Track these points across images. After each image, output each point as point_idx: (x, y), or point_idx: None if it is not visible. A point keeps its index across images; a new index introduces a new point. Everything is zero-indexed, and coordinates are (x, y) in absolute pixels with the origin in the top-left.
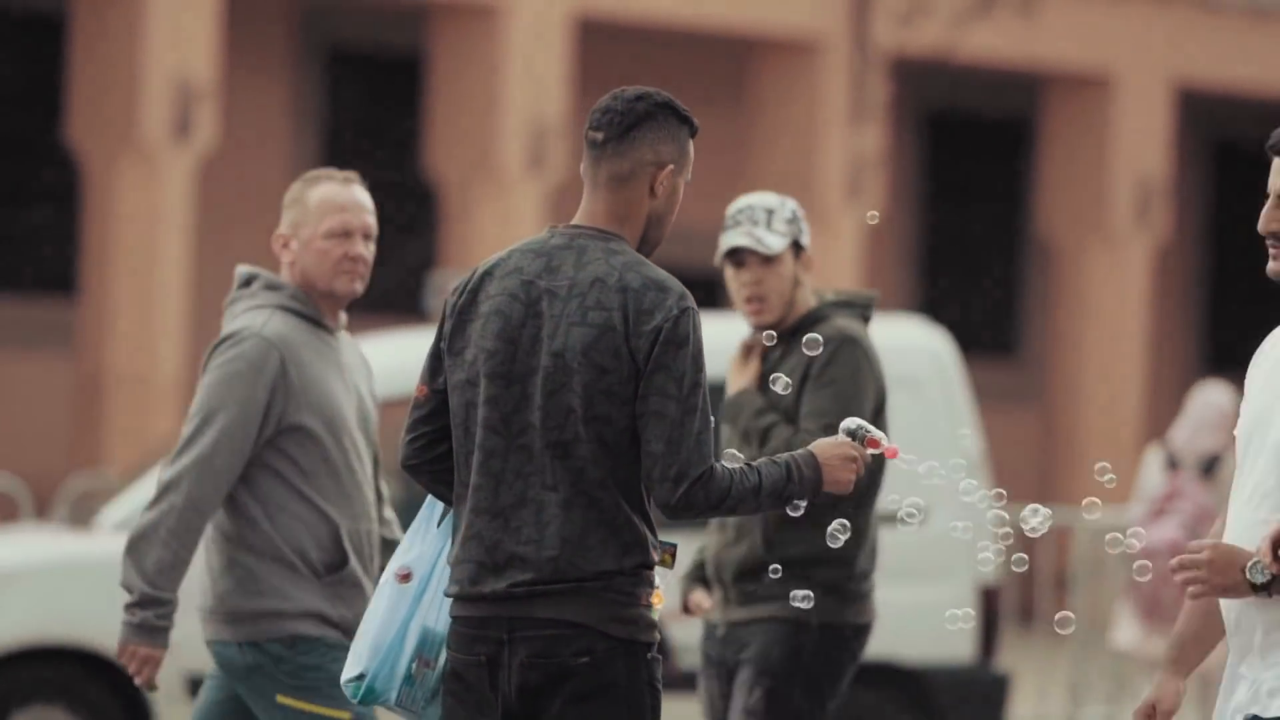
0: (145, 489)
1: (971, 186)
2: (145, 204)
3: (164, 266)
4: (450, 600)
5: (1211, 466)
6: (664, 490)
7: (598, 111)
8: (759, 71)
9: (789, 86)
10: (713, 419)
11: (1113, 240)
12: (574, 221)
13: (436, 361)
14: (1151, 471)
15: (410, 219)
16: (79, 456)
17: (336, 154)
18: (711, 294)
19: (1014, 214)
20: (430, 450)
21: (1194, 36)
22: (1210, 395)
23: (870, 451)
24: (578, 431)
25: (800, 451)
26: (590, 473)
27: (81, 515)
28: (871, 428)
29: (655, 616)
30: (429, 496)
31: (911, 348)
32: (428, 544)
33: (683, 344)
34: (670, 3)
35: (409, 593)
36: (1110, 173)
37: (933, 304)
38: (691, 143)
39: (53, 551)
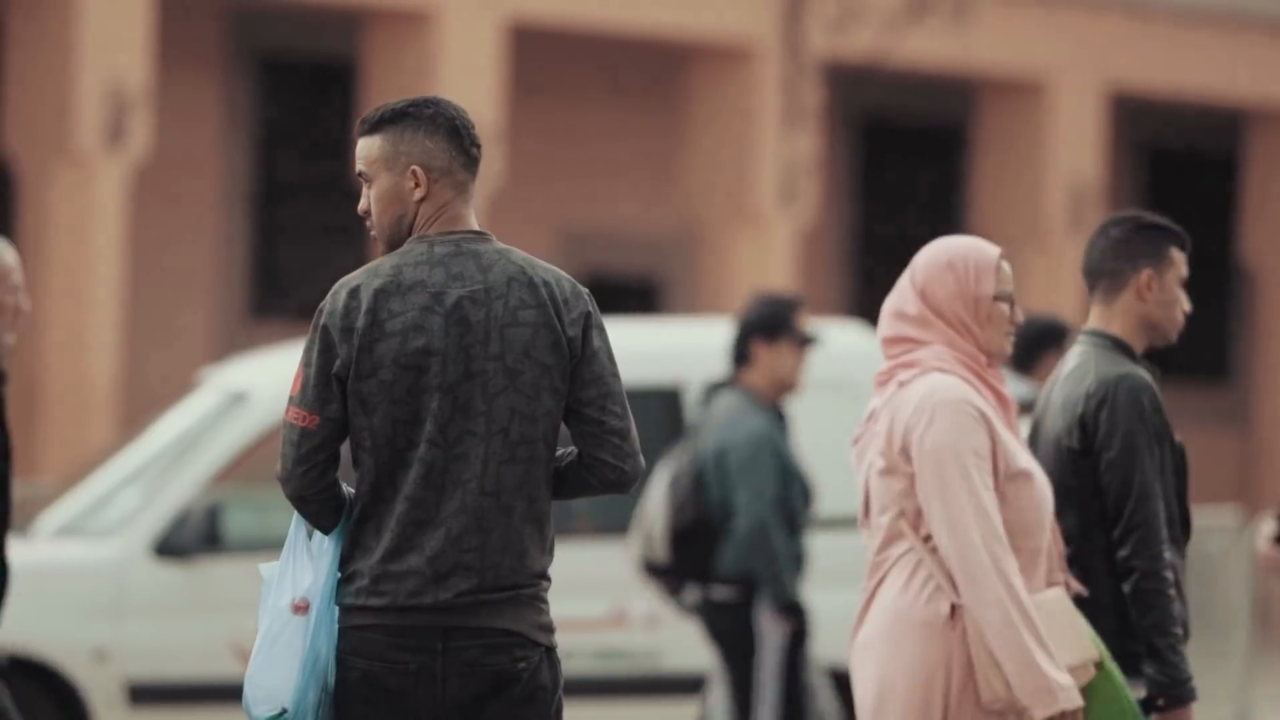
0: (81, 496)
1: (905, 192)
2: (78, 212)
3: (97, 275)
4: (349, 612)
5: None
6: (632, 463)
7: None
8: (692, 77)
9: (722, 92)
10: None
11: (1047, 245)
12: (441, 230)
13: (327, 391)
14: None
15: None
16: (16, 465)
17: (270, 161)
18: (647, 299)
19: (948, 219)
20: (323, 479)
21: (1126, 42)
22: None
23: None
24: (522, 433)
25: None
26: (533, 473)
27: (19, 523)
28: None
29: None
30: (294, 525)
31: (846, 352)
32: (318, 572)
33: (602, 327)
34: (603, 8)
35: (308, 622)
36: (1044, 178)
37: (867, 309)
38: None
39: None
